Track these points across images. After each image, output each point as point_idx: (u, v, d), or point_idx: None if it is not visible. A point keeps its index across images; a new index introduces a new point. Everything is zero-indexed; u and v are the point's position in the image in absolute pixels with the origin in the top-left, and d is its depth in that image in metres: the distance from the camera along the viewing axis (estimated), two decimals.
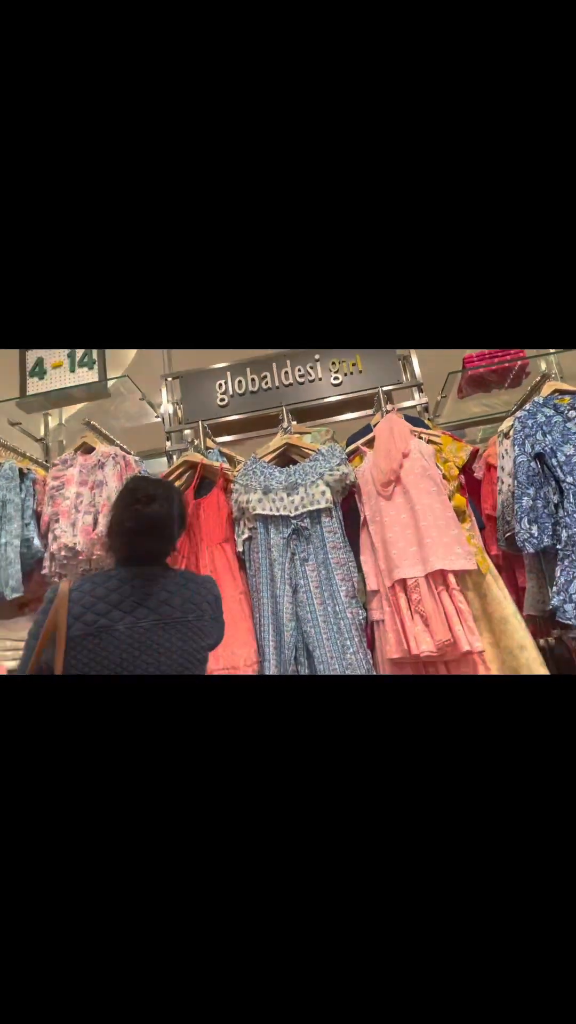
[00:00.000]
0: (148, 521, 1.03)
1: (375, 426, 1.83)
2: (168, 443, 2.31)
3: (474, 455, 1.73)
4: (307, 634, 1.53)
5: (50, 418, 2.43)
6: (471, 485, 1.92)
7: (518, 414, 1.68)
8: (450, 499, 1.57)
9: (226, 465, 1.86)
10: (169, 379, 2.37)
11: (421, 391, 2.17)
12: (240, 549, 1.70)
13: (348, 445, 1.87)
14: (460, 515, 1.57)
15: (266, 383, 2.29)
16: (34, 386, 2.09)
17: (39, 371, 2.10)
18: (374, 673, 1.49)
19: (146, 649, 0.97)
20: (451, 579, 1.46)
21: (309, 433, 2.05)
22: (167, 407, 2.33)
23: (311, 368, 2.24)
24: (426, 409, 2.16)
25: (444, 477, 1.62)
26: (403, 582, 1.49)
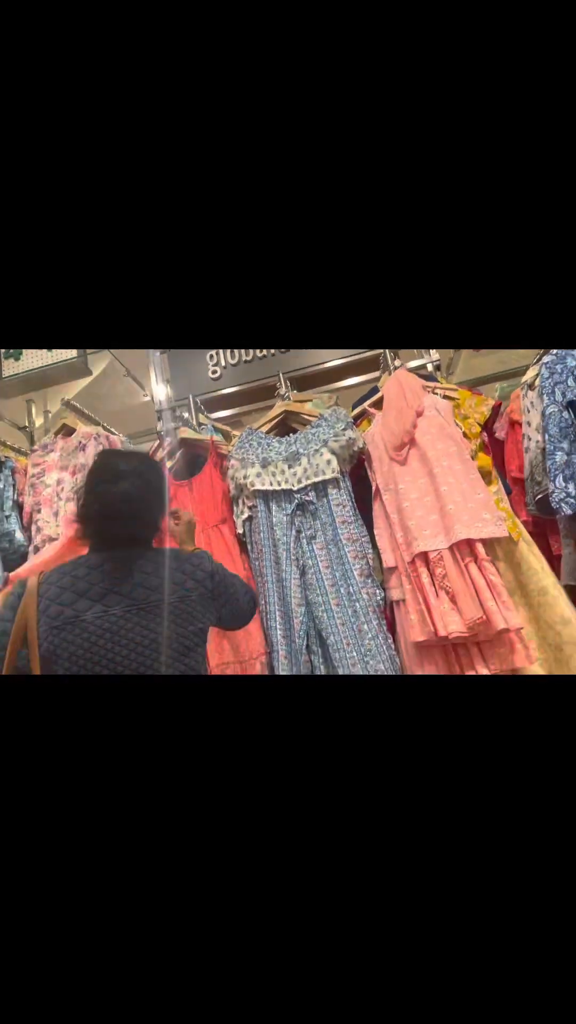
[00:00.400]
0: (118, 502, 0.89)
1: (382, 387, 1.64)
2: (160, 423, 2.14)
3: (496, 410, 1.53)
4: (319, 620, 1.37)
5: (33, 405, 2.27)
6: (493, 448, 1.73)
7: (544, 359, 1.49)
8: (473, 459, 1.38)
9: (217, 438, 1.68)
10: (157, 354, 2.19)
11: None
12: (240, 530, 1.54)
13: (354, 409, 1.68)
14: (485, 477, 1.38)
15: (260, 351, 2.10)
16: (10, 368, 1.93)
17: (15, 352, 1.93)
18: (395, 659, 1.32)
19: (118, 640, 0.85)
20: (479, 549, 1.28)
21: (310, 400, 1.87)
22: (156, 385, 2.16)
23: None
24: (438, 368, 1.96)
25: (464, 435, 1.43)
26: (424, 556, 1.31)
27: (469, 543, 1.28)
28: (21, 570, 1.28)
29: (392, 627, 1.41)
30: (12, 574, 1.26)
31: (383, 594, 1.39)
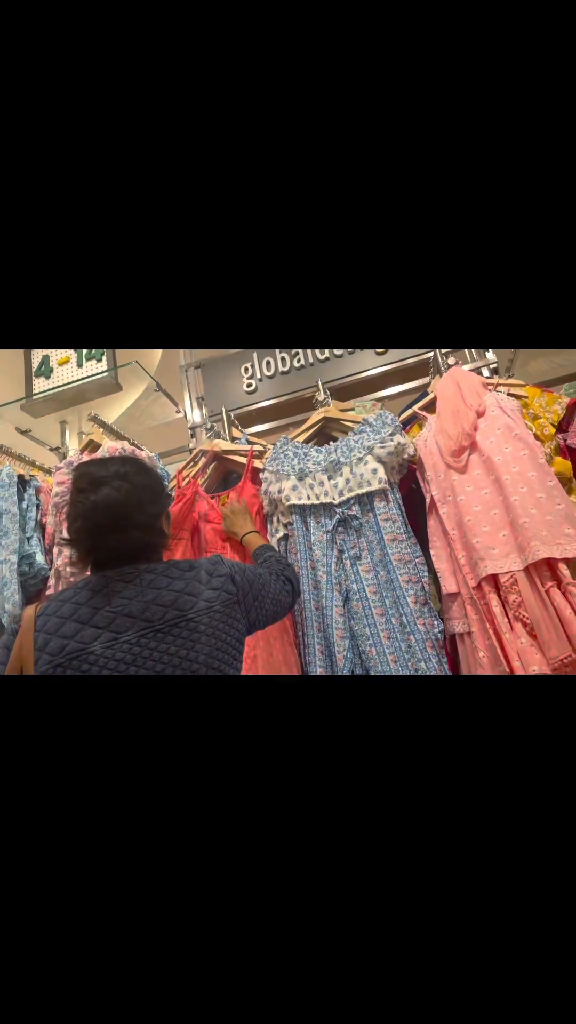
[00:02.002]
0: (103, 511, 0.75)
1: (433, 389, 1.45)
2: (193, 440, 2.03)
3: (572, 408, 1.31)
4: (366, 655, 1.16)
5: (67, 426, 2.22)
6: (568, 455, 1.49)
7: None
8: (548, 464, 1.16)
9: (258, 447, 1.53)
10: (189, 369, 2.10)
11: (487, 348, 1.78)
12: None
13: (402, 414, 1.50)
14: (565, 484, 1.16)
15: (298, 361, 1.98)
16: (41, 386, 1.87)
17: (45, 370, 1.89)
18: None
19: (138, 667, 0.71)
20: (563, 571, 1.05)
21: (352, 409, 1.70)
22: (189, 400, 2.06)
23: None
24: (495, 372, 1.76)
25: (536, 437, 1.21)
26: (494, 579, 1.09)
27: (550, 563, 1.05)
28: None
29: (454, 665, 1.18)
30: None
31: (442, 626, 1.17)
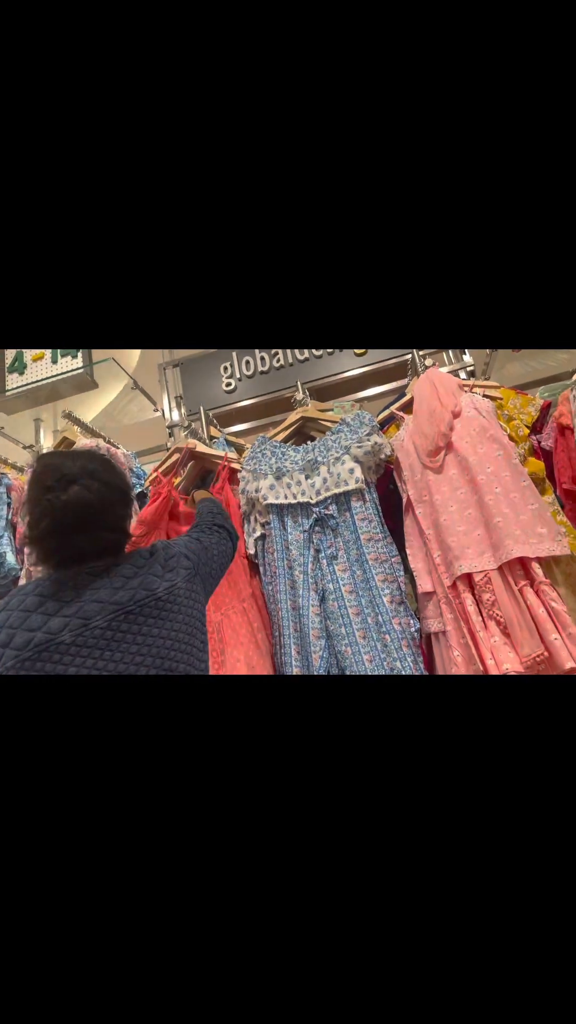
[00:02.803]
0: (73, 512, 0.72)
1: (411, 390, 1.46)
2: (171, 439, 2.00)
3: (545, 411, 1.33)
4: (342, 655, 1.15)
5: (42, 423, 2.17)
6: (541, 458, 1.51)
7: None
8: (522, 464, 1.18)
9: (232, 454, 1.52)
10: (168, 368, 2.08)
11: (464, 351, 1.80)
12: (251, 551, 1.35)
13: (380, 414, 1.50)
14: (538, 485, 1.17)
15: (277, 361, 1.97)
16: (14, 382, 1.83)
17: (19, 366, 1.85)
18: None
19: (114, 649, 0.70)
20: (535, 570, 1.06)
21: (331, 409, 1.70)
22: (167, 399, 2.04)
23: None
24: (471, 374, 1.78)
25: (510, 439, 1.23)
26: (468, 578, 1.10)
27: (523, 562, 1.07)
28: None
29: (430, 664, 1.18)
30: None
31: (418, 625, 1.18)
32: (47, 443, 2.18)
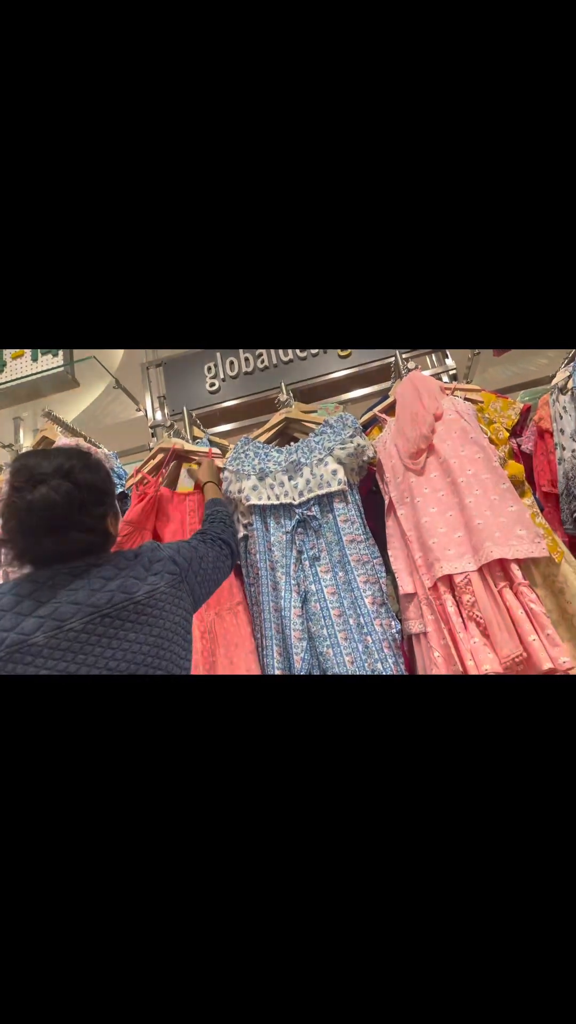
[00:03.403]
0: (37, 514, 0.70)
1: (394, 392, 1.47)
2: (153, 439, 1.98)
3: (525, 414, 1.35)
4: (324, 656, 1.15)
5: (21, 422, 2.14)
6: (520, 461, 1.54)
7: None
8: (502, 467, 1.19)
9: (216, 451, 1.51)
10: (151, 368, 2.06)
11: (447, 355, 1.82)
12: None
13: (363, 416, 1.51)
14: (517, 487, 1.19)
15: (262, 362, 1.96)
16: None
17: None
18: None
19: (88, 652, 0.69)
20: (514, 571, 1.07)
21: (315, 410, 1.70)
22: (150, 399, 2.02)
23: None
24: (454, 378, 1.80)
25: (491, 441, 1.24)
26: (449, 580, 1.11)
27: (502, 564, 1.08)
28: None
29: (411, 666, 1.19)
30: None
31: (399, 626, 1.18)
32: (27, 442, 2.15)
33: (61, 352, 1.78)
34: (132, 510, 1.37)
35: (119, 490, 1.51)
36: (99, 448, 1.55)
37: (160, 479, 1.51)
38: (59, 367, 1.73)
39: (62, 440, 1.50)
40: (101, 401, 2.60)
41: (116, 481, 1.55)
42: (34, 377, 1.75)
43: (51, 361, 1.76)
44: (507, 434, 1.28)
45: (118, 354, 2.75)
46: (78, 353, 1.83)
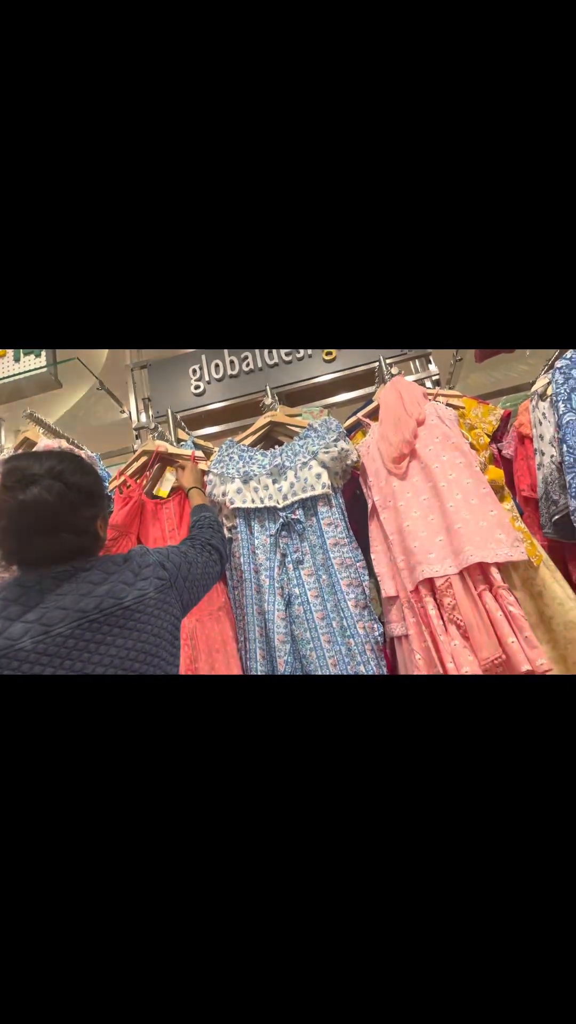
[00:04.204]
0: (31, 513, 0.71)
1: (378, 397, 1.48)
2: (137, 441, 1.97)
3: (506, 420, 1.37)
4: (306, 659, 1.16)
5: (3, 423, 2.11)
6: (500, 466, 1.56)
7: (558, 364, 1.34)
8: (482, 472, 1.21)
9: (199, 454, 1.51)
10: (135, 369, 2.05)
11: (430, 361, 1.84)
12: None
13: (347, 421, 1.52)
14: (497, 492, 1.21)
15: (247, 365, 1.96)
16: None
17: None
18: None
19: (75, 658, 0.69)
20: (494, 575, 1.09)
21: (299, 414, 1.71)
22: (134, 400, 2.01)
23: None
24: (437, 383, 1.82)
25: (472, 447, 1.26)
26: (430, 583, 1.12)
27: (482, 568, 1.09)
28: None
29: (393, 668, 1.20)
30: None
31: (382, 629, 1.19)
32: (8, 443, 2.12)
33: (44, 353, 1.76)
34: (117, 514, 1.36)
35: None
36: (82, 450, 1.54)
37: (144, 482, 1.51)
38: (41, 368, 1.71)
39: (44, 442, 1.48)
40: (84, 402, 2.57)
41: None
42: (16, 377, 1.72)
43: (33, 361, 1.74)
44: (487, 439, 1.30)
45: (102, 355, 2.73)
46: (61, 354, 1.82)
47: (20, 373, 1.72)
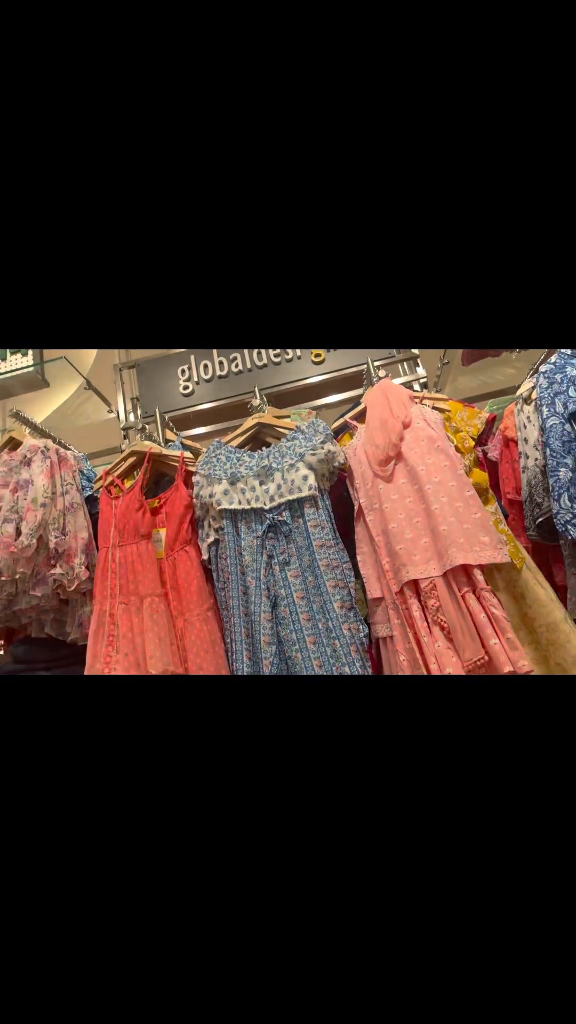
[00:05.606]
0: None
1: (365, 399, 1.49)
2: (125, 441, 1.97)
3: (491, 424, 1.39)
4: (292, 660, 1.16)
5: None
6: (486, 470, 1.58)
7: (542, 368, 1.36)
8: (467, 475, 1.22)
9: (187, 454, 1.50)
10: (124, 369, 2.04)
11: (418, 364, 1.86)
12: (205, 556, 1.34)
13: (334, 423, 1.52)
14: (482, 495, 1.22)
15: (236, 365, 1.97)
16: None
17: None
18: None
19: None
20: (478, 577, 1.10)
21: (288, 415, 1.71)
22: (122, 400, 2.00)
23: None
24: (424, 386, 1.84)
25: (457, 450, 1.27)
26: (415, 584, 1.13)
27: (466, 570, 1.11)
28: None
29: (378, 668, 1.21)
30: None
31: (367, 630, 1.20)
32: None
33: (31, 352, 1.75)
34: (120, 520, 1.35)
35: (88, 493, 1.49)
36: (69, 449, 1.53)
37: (127, 482, 1.50)
38: (28, 367, 1.70)
39: (29, 442, 1.47)
40: (72, 402, 2.56)
41: (86, 484, 1.53)
42: (3, 376, 1.71)
43: (20, 360, 1.72)
44: (472, 443, 1.31)
45: (90, 354, 2.71)
46: (48, 353, 1.80)
47: (7, 372, 1.70)
